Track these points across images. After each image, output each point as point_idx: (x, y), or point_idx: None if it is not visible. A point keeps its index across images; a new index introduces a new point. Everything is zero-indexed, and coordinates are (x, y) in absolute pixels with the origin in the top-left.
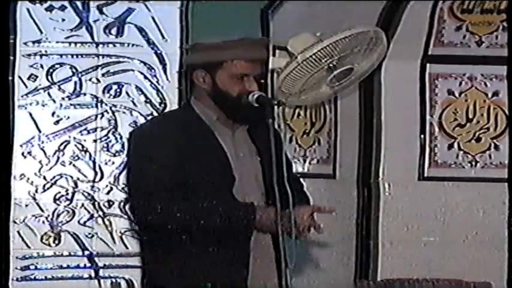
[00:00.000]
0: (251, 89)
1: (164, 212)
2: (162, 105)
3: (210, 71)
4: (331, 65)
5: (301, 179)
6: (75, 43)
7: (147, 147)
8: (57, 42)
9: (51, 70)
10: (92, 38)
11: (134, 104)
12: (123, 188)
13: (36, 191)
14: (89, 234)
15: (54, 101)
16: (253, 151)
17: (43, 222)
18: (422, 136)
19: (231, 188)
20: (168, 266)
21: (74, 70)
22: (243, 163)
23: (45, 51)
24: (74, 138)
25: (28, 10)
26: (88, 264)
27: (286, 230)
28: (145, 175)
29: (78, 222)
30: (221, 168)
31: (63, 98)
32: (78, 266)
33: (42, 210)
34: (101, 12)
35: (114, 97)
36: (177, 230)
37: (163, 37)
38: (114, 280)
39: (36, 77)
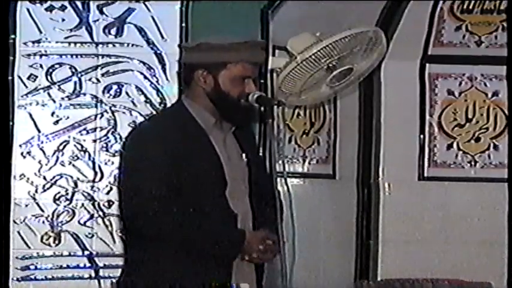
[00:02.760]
0: (250, 91)
1: (151, 216)
2: (162, 105)
3: (212, 71)
4: (330, 65)
5: (301, 179)
6: (75, 43)
7: (142, 150)
8: (56, 42)
9: (50, 70)
10: (92, 38)
11: (134, 104)
12: None
13: (36, 191)
14: (89, 234)
15: (53, 101)
16: (240, 154)
17: (43, 222)
18: (421, 136)
19: (223, 193)
20: (149, 269)
21: (74, 70)
22: (233, 167)
23: (45, 51)
24: (74, 138)
25: (28, 10)
26: (88, 264)
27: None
28: (138, 177)
29: (78, 222)
30: (215, 173)
31: (62, 98)
32: (78, 266)
33: (42, 210)
34: (101, 12)
35: (114, 97)
36: (163, 235)
37: (162, 37)
38: (114, 280)
39: (36, 77)
